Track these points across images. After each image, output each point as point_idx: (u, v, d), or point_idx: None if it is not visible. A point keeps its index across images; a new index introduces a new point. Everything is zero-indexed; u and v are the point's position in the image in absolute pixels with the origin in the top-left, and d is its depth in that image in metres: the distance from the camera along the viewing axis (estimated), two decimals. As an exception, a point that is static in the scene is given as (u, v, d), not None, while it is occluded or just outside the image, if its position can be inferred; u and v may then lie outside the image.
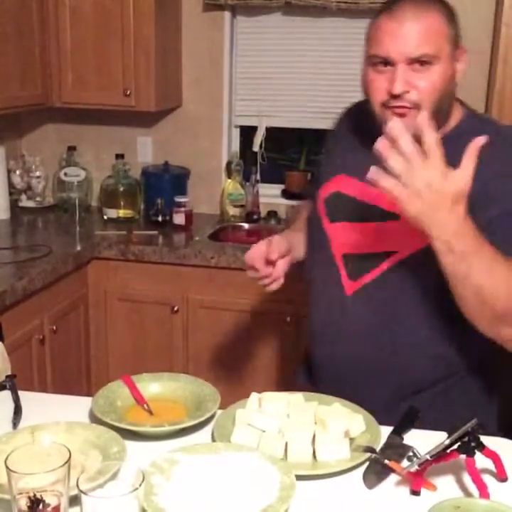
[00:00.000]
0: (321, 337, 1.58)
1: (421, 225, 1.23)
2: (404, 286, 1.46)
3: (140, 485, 0.94)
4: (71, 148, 3.31)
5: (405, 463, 1.20)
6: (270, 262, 1.51)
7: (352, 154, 1.56)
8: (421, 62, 1.34)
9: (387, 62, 1.36)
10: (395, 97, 1.36)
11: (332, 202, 1.57)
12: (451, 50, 1.38)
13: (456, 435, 1.12)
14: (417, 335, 1.47)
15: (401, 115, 1.37)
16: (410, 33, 1.33)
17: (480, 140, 1.17)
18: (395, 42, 1.34)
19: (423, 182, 1.19)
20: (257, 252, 1.51)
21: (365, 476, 1.19)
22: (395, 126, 1.18)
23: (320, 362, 1.60)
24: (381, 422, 1.31)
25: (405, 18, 1.34)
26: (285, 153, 3.67)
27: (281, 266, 1.53)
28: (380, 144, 1.18)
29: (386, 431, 1.30)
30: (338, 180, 1.57)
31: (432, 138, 1.18)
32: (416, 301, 1.44)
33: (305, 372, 1.69)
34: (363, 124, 1.55)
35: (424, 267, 1.36)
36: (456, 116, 1.47)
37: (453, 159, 1.27)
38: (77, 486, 0.93)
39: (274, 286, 1.55)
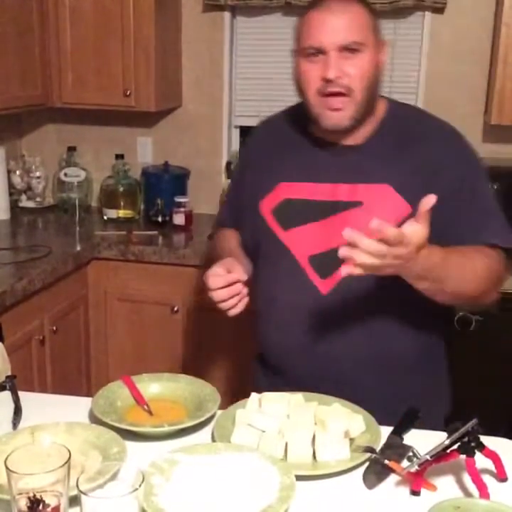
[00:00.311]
0: (300, 344, 1.55)
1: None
2: None
3: (140, 485, 0.94)
4: (71, 149, 3.31)
5: (405, 463, 1.20)
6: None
7: (288, 161, 1.58)
8: (350, 50, 1.43)
9: (319, 52, 1.44)
10: (329, 82, 1.44)
11: (283, 210, 1.56)
12: (375, 40, 1.48)
13: (456, 435, 1.12)
14: (398, 316, 1.52)
15: (336, 110, 1.45)
16: (339, 23, 1.43)
17: (431, 198, 1.21)
18: (326, 32, 1.43)
19: (393, 258, 1.21)
20: (220, 274, 1.47)
21: (365, 476, 1.19)
22: (349, 234, 1.19)
23: (303, 366, 1.56)
24: (368, 408, 1.34)
25: (333, 10, 1.44)
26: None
27: (241, 291, 1.49)
28: (343, 252, 1.20)
29: (386, 431, 1.30)
30: (281, 188, 1.57)
31: (392, 230, 1.19)
32: (394, 284, 1.43)
33: (266, 376, 1.66)
34: (292, 130, 1.62)
35: None
36: (381, 105, 1.56)
37: (393, 143, 1.50)
38: (77, 486, 0.93)
39: (240, 308, 1.49)
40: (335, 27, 1.43)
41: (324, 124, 1.48)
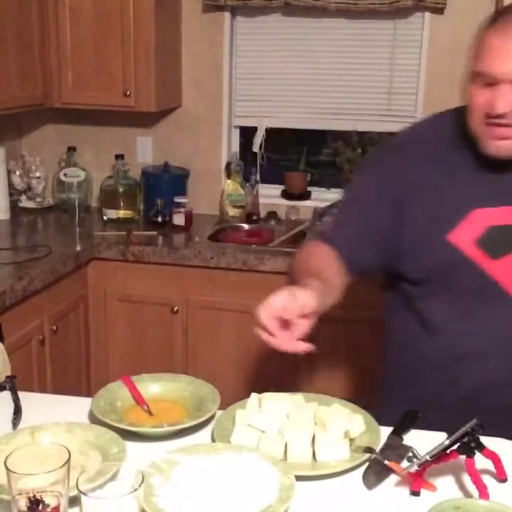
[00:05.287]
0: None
1: None
2: None
3: (140, 486, 0.95)
4: (71, 149, 3.31)
5: (405, 463, 1.20)
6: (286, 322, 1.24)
7: (473, 184, 1.44)
8: None
9: (490, 82, 1.31)
10: (497, 116, 1.32)
11: (490, 239, 1.41)
12: None
13: (456, 435, 1.12)
14: None
15: (502, 138, 1.34)
16: None
17: None
18: (499, 60, 1.29)
19: None
20: (271, 309, 1.24)
21: (365, 476, 1.19)
22: None
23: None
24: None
25: (510, 33, 1.29)
26: (285, 154, 3.68)
27: (302, 328, 1.24)
28: None
29: (386, 431, 1.30)
30: (477, 215, 1.42)
31: None
32: None
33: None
34: (457, 146, 1.45)
35: None
36: None
37: None
38: (77, 486, 0.93)
39: (294, 346, 1.25)
40: (509, 55, 1.27)
41: (487, 151, 1.38)
